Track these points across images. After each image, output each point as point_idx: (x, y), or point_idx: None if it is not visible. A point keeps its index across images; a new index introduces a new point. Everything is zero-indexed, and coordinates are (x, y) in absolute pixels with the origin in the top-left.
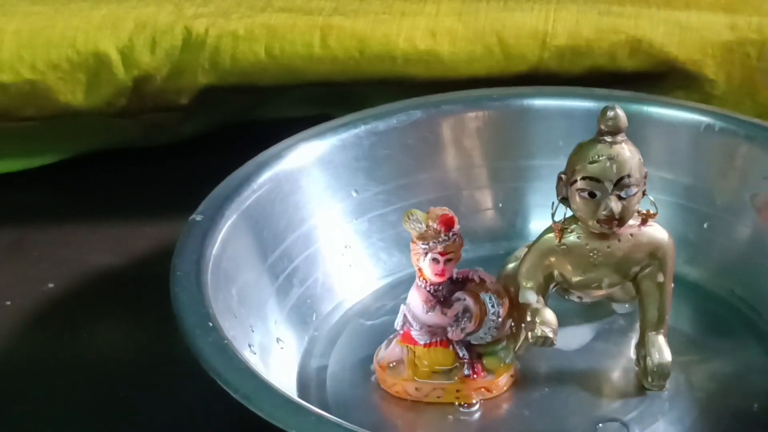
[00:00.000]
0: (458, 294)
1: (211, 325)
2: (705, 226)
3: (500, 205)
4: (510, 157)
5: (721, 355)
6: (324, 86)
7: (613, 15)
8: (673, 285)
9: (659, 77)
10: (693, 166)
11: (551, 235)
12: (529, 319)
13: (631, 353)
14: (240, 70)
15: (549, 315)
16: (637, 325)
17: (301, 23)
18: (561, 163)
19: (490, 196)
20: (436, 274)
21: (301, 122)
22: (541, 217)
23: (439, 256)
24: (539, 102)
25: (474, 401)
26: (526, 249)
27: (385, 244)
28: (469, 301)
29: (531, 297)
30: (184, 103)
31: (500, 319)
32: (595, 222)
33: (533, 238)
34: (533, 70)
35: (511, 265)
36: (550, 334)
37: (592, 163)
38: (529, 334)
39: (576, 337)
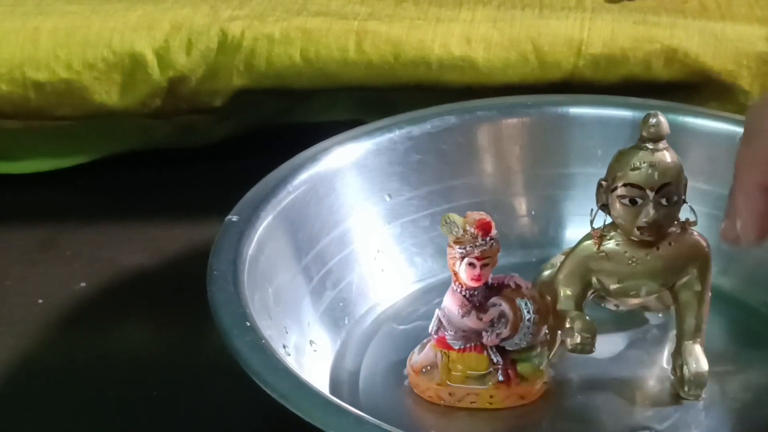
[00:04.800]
0: (494, 299)
1: (248, 324)
2: None
3: (533, 212)
4: (544, 165)
5: (756, 366)
6: (358, 91)
7: (648, 24)
8: (710, 294)
9: (694, 87)
10: (728, 177)
11: (590, 242)
12: (567, 326)
13: (665, 362)
14: (275, 73)
15: (587, 322)
16: (672, 334)
17: (337, 27)
18: (595, 171)
19: (524, 203)
20: (472, 279)
21: (333, 126)
22: (574, 225)
23: (475, 261)
24: (574, 110)
25: None
26: (563, 257)
27: (417, 249)
28: (505, 307)
29: (569, 304)
30: (218, 105)
31: (536, 326)
32: (635, 229)
33: (566, 246)
34: (568, 77)
35: (547, 272)
36: (589, 342)
37: (633, 169)
38: (568, 341)
39: (610, 345)
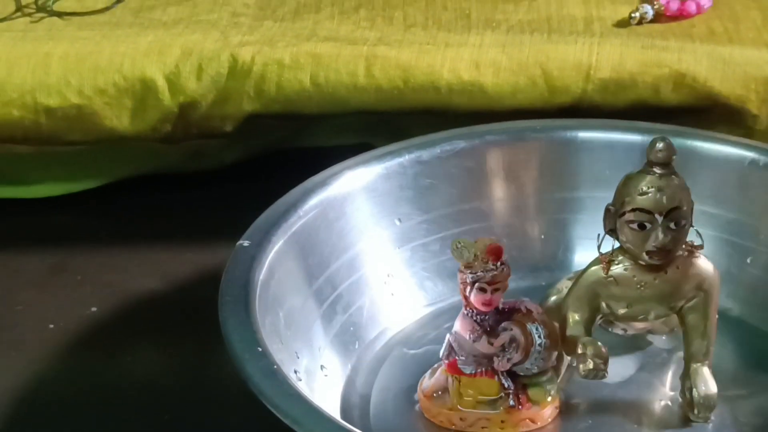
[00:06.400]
0: (505, 324)
1: (260, 350)
2: (748, 260)
3: (543, 236)
4: (553, 189)
5: (765, 388)
6: (367, 115)
7: (656, 49)
8: (717, 317)
9: (702, 111)
10: (737, 201)
11: (598, 267)
12: (579, 351)
13: (670, 386)
14: (285, 98)
15: (599, 348)
16: (678, 357)
17: (346, 52)
18: (604, 195)
19: (533, 227)
20: (483, 304)
21: (343, 150)
22: (583, 248)
23: (486, 286)
24: (583, 134)
25: None
26: (567, 282)
27: (427, 273)
28: (516, 332)
29: (579, 329)
30: (229, 129)
31: (547, 350)
32: (644, 254)
33: (575, 269)
34: (577, 102)
35: (552, 298)
36: (602, 367)
37: (642, 194)
38: (580, 366)
39: (618, 368)
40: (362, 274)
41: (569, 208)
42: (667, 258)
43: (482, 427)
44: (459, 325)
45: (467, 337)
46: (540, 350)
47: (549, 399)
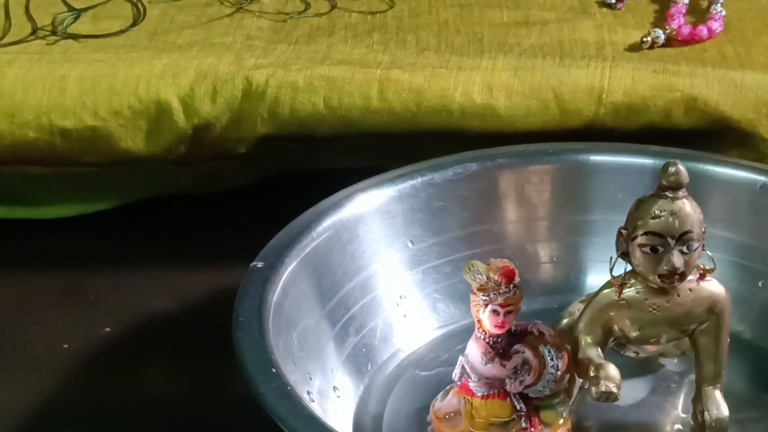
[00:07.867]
0: (517, 346)
1: (273, 371)
2: (760, 284)
3: (555, 258)
4: (565, 212)
5: None
6: (380, 137)
7: (668, 73)
8: (728, 340)
9: (713, 135)
10: (748, 225)
11: (610, 289)
12: (592, 374)
13: (682, 409)
14: (298, 120)
15: (612, 370)
16: (690, 379)
17: (360, 76)
18: (616, 218)
19: (545, 250)
20: (495, 326)
21: (355, 173)
22: (595, 271)
23: (499, 308)
24: (595, 157)
25: None
26: (580, 304)
27: (440, 295)
28: (529, 354)
29: (592, 352)
30: (242, 151)
31: (559, 373)
32: (656, 277)
33: (588, 292)
34: (588, 125)
35: (565, 321)
36: (615, 390)
37: (654, 218)
38: (593, 389)
39: (630, 391)
40: (375, 296)
41: (581, 231)
42: (679, 281)
43: None
44: (471, 348)
45: (480, 360)
46: (552, 372)
47: (561, 421)
